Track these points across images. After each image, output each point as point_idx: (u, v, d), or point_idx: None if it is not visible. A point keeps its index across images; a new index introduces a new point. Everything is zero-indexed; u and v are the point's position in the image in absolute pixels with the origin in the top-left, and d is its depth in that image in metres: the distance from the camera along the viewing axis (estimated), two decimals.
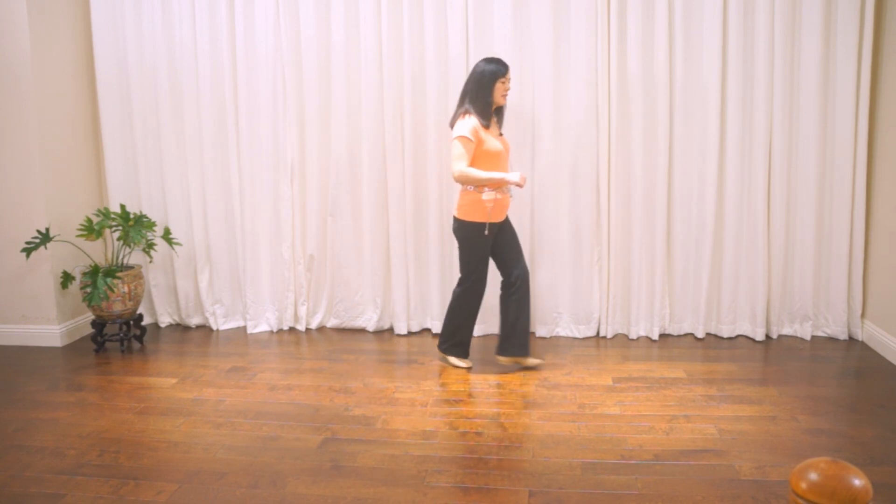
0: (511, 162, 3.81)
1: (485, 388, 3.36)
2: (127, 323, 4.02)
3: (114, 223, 4.01)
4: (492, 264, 3.69)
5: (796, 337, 4.03)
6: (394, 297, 4.20)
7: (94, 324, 4.00)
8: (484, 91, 3.34)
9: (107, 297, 3.84)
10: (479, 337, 4.15)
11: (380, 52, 3.99)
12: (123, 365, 3.78)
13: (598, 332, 4.13)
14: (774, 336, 4.02)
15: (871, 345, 3.84)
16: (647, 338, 4.07)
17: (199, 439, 2.85)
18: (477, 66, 3.38)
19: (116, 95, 4.25)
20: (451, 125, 3.40)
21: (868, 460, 2.58)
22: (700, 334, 4.05)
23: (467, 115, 3.31)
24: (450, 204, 4.09)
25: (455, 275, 4.16)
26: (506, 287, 3.52)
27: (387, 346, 4.06)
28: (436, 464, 2.61)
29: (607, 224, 3.99)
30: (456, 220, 3.43)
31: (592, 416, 3.00)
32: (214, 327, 4.39)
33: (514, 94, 3.90)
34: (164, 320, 4.49)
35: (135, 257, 4.34)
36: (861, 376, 3.45)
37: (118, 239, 4.03)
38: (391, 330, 4.30)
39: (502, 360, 3.58)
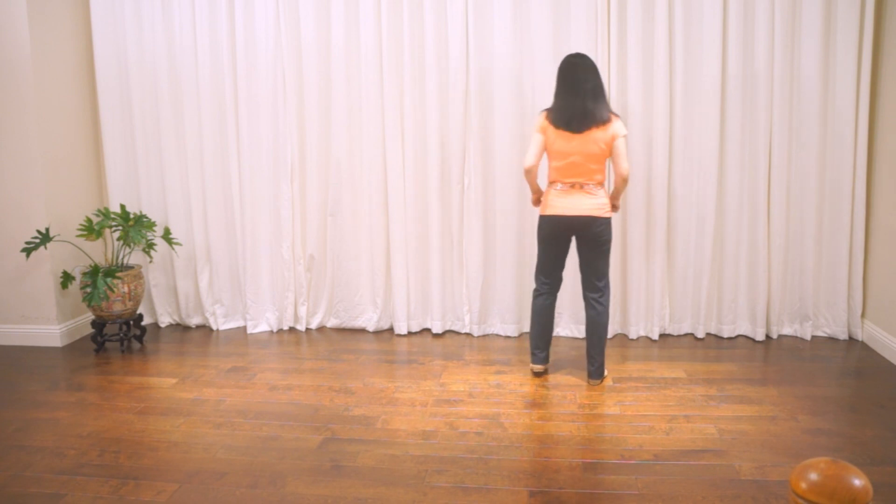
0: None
1: (485, 388, 3.36)
2: (127, 323, 4.02)
3: (114, 223, 4.01)
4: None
5: (796, 337, 4.03)
6: (394, 297, 4.20)
7: (94, 324, 4.00)
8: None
9: (107, 297, 3.84)
10: (478, 337, 4.16)
11: (380, 51, 3.99)
12: (123, 365, 3.78)
13: None
14: (774, 336, 4.02)
15: (871, 345, 3.84)
16: (647, 338, 4.07)
17: (199, 439, 2.85)
18: (592, 62, 3.20)
19: (116, 95, 4.25)
20: (601, 123, 3.14)
21: (868, 460, 2.58)
22: (700, 334, 4.05)
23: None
24: (450, 204, 4.09)
25: (456, 274, 4.17)
26: (546, 290, 3.42)
27: (387, 346, 4.06)
28: (436, 464, 2.61)
29: None
30: (603, 220, 3.21)
31: (592, 416, 3.00)
32: (214, 327, 4.39)
33: (513, 94, 3.91)
34: (164, 320, 4.49)
35: (135, 257, 4.34)
36: (861, 376, 3.45)
37: (118, 239, 4.03)
38: (391, 330, 4.30)
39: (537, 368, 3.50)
